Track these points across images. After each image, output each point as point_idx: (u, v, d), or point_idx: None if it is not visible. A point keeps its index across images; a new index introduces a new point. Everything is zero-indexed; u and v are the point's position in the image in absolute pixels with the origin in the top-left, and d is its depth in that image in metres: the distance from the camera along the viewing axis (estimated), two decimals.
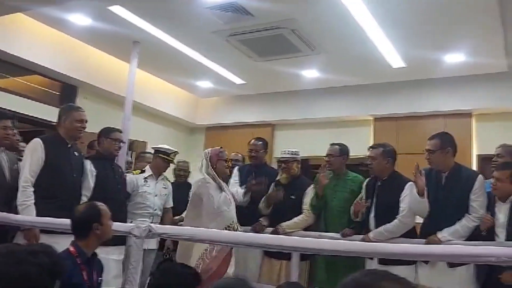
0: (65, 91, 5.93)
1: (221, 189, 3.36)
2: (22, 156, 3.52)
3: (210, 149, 3.50)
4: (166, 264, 2.96)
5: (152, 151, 4.22)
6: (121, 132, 3.82)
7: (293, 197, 3.83)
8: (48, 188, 3.14)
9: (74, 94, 5.99)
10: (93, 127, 3.59)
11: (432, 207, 3.15)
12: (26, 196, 3.05)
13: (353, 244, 2.35)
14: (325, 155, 3.83)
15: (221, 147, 3.53)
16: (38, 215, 3.01)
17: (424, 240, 3.15)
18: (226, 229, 3.19)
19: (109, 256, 3.21)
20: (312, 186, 3.84)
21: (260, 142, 4.30)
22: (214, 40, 5.17)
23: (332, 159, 3.76)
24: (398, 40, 4.90)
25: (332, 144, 3.85)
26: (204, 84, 6.95)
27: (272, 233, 3.62)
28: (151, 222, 3.48)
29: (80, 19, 4.95)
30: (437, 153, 3.20)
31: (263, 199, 3.88)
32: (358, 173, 3.87)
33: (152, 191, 3.92)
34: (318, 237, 3.18)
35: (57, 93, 5.91)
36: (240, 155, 4.91)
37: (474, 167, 5.52)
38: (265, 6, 4.32)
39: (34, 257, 1.57)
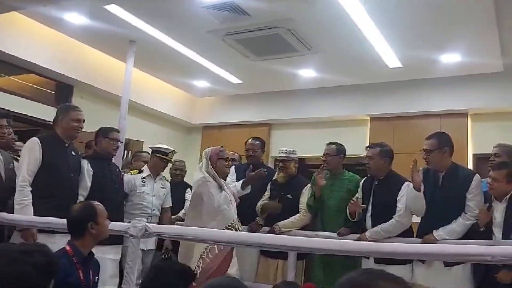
0: (61, 90, 5.91)
1: (221, 188, 3.35)
2: (17, 156, 3.51)
3: (211, 148, 3.49)
4: (159, 262, 2.94)
5: (150, 151, 4.21)
6: (118, 131, 3.81)
7: (289, 196, 3.84)
8: (45, 188, 3.13)
9: (70, 93, 5.97)
10: (89, 126, 3.58)
11: (429, 206, 3.16)
12: (23, 196, 3.04)
13: (350, 244, 2.36)
14: (321, 154, 3.83)
15: (221, 146, 3.51)
16: (35, 214, 3.00)
17: (420, 239, 3.16)
18: (226, 228, 3.18)
19: (106, 256, 3.20)
20: (308, 185, 3.85)
21: (257, 142, 4.31)
22: (211, 39, 5.16)
23: (329, 159, 3.77)
24: (395, 40, 4.91)
25: (329, 144, 3.86)
26: (201, 83, 6.95)
27: (268, 232, 3.62)
28: (149, 222, 3.50)
29: (76, 18, 4.93)
30: (435, 152, 3.21)
31: (259, 204, 3.88)
32: (354, 172, 3.88)
33: (150, 191, 3.91)
34: (314, 236, 3.19)
35: (53, 92, 5.89)
36: (237, 154, 4.91)
37: (470, 166, 5.53)
38: (261, 6, 4.32)
39: (29, 256, 1.56)
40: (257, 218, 3.86)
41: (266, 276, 3.73)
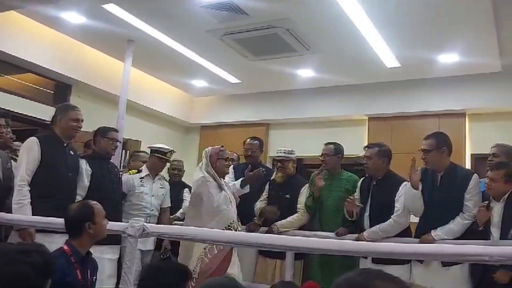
0: (59, 89, 5.90)
1: (221, 188, 3.34)
2: (15, 155, 3.51)
3: (211, 147, 3.47)
4: (155, 262, 2.95)
5: (148, 151, 4.20)
6: (117, 131, 3.81)
7: (288, 196, 3.84)
8: (43, 187, 3.13)
9: (68, 93, 5.95)
10: (87, 126, 3.57)
11: (428, 206, 3.17)
12: (22, 195, 3.03)
13: (347, 244, 2.36)
14: (319, 154, 3.83)
15: (222, 146, 3.50)
16: (33, 214, 3.00)
17: (418, 239, 3.17)
18: (226, 228, 3.17)
19: (104, 256, 3.20)
20: (307, 185, 3.85)
21: (256, 142, 4.32)
22: (209, 39, 5.16)
23: (327, 159, 3.77)
24: (393, 40, 4.92)
25: (327, 144, 3.86)
26: (199, 83, 6.94)
27: (266, 232, 3.62)
28: (148, 223, 3.49)
29: (74, 17, 4.92)
30: (433, 152, 3.21)
31: (258, 206, 3.87)
32: (353, 172, 3.88)
33: (149, 191, 3.90)
34: (313, 236, 3.19)
35: (51, 91, 5.88)
36: (235, 154, 4.91)
37: (468, 166, 5.54)
38: (260, 6, 4.32)
39: (26, 256, 1.56)
40: (255, 218, 3.86)
41: (264, 276, 3.73)
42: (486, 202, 3.09)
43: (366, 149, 3.54)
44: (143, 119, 7.04)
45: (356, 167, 5.08)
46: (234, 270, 3.20)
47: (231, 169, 4.17)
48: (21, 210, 2.99)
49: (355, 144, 5.02)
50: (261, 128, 7.11)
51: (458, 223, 3.09)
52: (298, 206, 3.78)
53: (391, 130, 6.22)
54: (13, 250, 1.62)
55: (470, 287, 3.02)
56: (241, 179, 3.74)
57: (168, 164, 4.34)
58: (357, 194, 3.57)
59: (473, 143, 5.92)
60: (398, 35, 4.80)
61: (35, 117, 5.42)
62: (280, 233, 3.59)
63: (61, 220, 2.42)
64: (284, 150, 3.92)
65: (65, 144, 3.34)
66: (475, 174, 3.20)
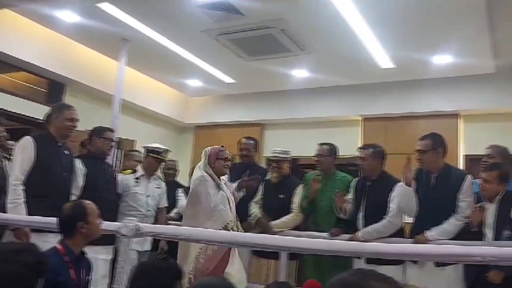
0: (53, 88, 5.87)
1: (219, 187, 3.34)
2: (8, 154, 3.48)
3: (210, 147, 3.46)
4: (146, 260, 2.92)
5: (142, 150, 4.18)
6: (113, 131, 3.80)
7: (282, 196, 3.84)
8: (38, 187, 3.12)
9: (62, 92, 5.93)
10: (80, 125, 3.55)
11: (422, 207, 3.18)
12: (16, 195, 3.02)
13: (341, 244, 2.36)
14: (314, 155, 3.84)
15: (221, 146, 3.49)
16: (28, 213, 2.99)
17: (412, 239, 3.18)
18: (223, 228, 3.15)
19: (98, 256, 3.19)
20: (301, 185, 3.85)
21: (251, 141, 4.32)
22: (204, 38, 5.15)
23: (322, 159, 3.78)
24: (387, 41, 4.93)
25: (321, 144, 3.87)
26: (194, 82, 6.93)
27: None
28: (144, 223, 3.47)
29: (68, 16, 4.90)
30: (429, 153, 3.22)
31: (253, 211, 3.87)
32: (346, 173, 3.89)
33: (144, 191, 3.87)
34: (307, 236, 3.19)
35: (45, 90, 5.85)
36: (230, 154, 4.90)
37: (461, 167, 5.57)
38: (255, 6, 4.32)
39: (19, 255, 1.55)
40: (249, 218, 3.86)
41: (258, 276, 3.73)
42: (480, 203, 3.11)
43: (361, 150, 3.55)
44: (137, 119, 7.01)
45: (350, 167, 5.09)
46: (233, 269, 3.18)
47: None
48: (16, 210, 2.98)
49: (349, 145, 5.02)
50: (256, 128, 7.11)
51: (451, 224, 3.10)
52: (293, 206, 3.79)
53: (386, 130, 6.24)
54: (5, 249, 1.61)
55: (464, 287, 3.04)
56: (237, 182, 3.74)
57: (162, 164, 4.32)
58: (351, 195, 3.58)
59: (466, 144, 5.95)
60: (392, 36, 4.81)
61: (28, 116, 5.39)
62: (274, 233, 3.58)
63: (54, 220, 2.41)
64: (280, 150, 3.92)
65: (60, 144, 3.33)
66: (469, 175, 3.22)
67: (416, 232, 3.22)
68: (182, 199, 4.40)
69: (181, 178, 5.10)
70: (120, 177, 3.87)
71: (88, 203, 2.39)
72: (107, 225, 2.46)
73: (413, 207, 3.19)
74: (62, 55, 5.59)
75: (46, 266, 1.68)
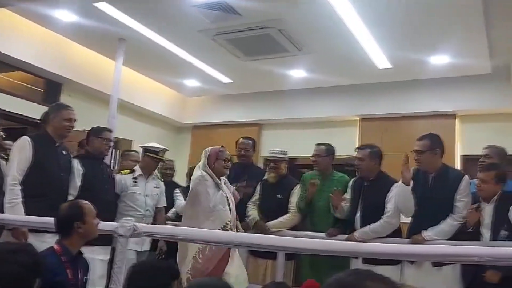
0: (49, 88, 5.86)
1: (218, 187, 3.33)
2: (5, 154, 3.47)
3: (210, 147, 3.44)
4: (141, 261, 2.91)
5: (139, 150, 4.17)
6: (111, 131, 3.79)
7: (279, 196, 3.84)
8: (36, 187, 3.12)
9: (58, 91, 5.91)
10: (77, 125, 3.55)
11: (419, 207, 3.18)
12: (14, 195, 3.02)
13: (338, 244, 2.36)
14: (311, 155, 3.84)
15: (222, 146, 3.47)
16: (26, 213, 2.98)
17: (409, 240, 3.18)
18: (221, 228, 3.14)
19: (96, 256, 3.19)
20: (298, 185, 3.86)
21: (249, 141, 4.33)
22: (201, 38, 5.15)
23: (319, 159, 3.78)
24: (384, 41, 4.94)
25: (319, 144, 3.87)
26: (191, 82, 6.93)
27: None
28: (143, 223, 3.46)
29: (65, 15, 4.89)
30: (426, 154, 3.23)
31: (250, 213, 3.86)
32: (344, 173, 3.89)
33: (142, 191, 3.85)
34: (304, 236, 3.19)
35: (41, 90, 5.84)
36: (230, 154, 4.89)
37: (458, 167, 5.58)
38: (252, 6, 4.32)
39: (15, 255, 1.55)
40: (246, 219, 3.85)
41: (255, 277, 3.72)
42: (476, 204, 3.11)
43: (358, 150, 3.54)
44: (134, 119, 7.01)
45: (348, 167, 5.09)
46: (233, 269, 3.18)
47: None
48: (14, 210, 2.98)
49: (346, 145, 5.01)
50: (253, 128, 7.11)
51: (448, 224, 3.11)
52: (290, 206, 3.79)
53: (383, 131, 6.25)
54: (2, 249, 1.61)
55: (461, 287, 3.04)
56: (235, 185, 3.74)
57: (160, 164, 4.31)
58: (348, 195, 3.58)
59: (463, 144, 5.97)
60: (389, 36, 4.82)
61: (25, 116, 5.38)
62: (272, 234, 3.58)
63: (51, 220, 2.40)
64: (277, 150, 3.92)
65: (57, 144, 3.33)
66: (466, 175, 3.22)
67: (414, 232, 3.22)
68: (179, 199, 4.39)
69: (178, 178, 5.10)
70: (118, 177, 3.86)
71: (85, 203, 2.38)
72: (104, 225, 2.45)
73: (410, 207, 3.19)
74: (59, 55, 5.58)
75: (42, 266, 1.67)
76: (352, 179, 3.67)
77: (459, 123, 6.08)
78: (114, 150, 5.46)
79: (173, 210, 4.40)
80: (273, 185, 3.91)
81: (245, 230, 3.70)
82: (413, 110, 6.13)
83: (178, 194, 4.48)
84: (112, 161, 5.17)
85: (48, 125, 3.34)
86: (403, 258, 2.95)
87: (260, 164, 6.35)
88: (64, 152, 3.39)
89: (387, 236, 3.27)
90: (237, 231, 3.42)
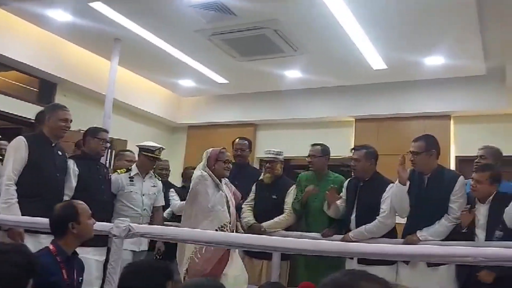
0: (44, 88, 5.84)
1: (218, 187, 3.32)
2: (0, 154, 3.46)
3: (211, 149, 3.43)
4: (135, 261, 2.91)
5: (133, 149, 4.16)
6: (107, 132, 3.79)
7: (274, 197, 3.85)
8: (31, 187, 3.11)
9: (53, 91, 5.89)
10: (72, 125, 3.53)
11: (415, 208, 3.19)
12: (9, 195, 3.01)
13: (332, 244, 2.37)
14: (306, 155, 3.84)
15: (223, 148, 3.46)
16: (21, 214, 2.97)
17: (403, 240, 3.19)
18: (219, 229, 3.13)
19: (92, 257, 3.20)
20: (294, 186, 3.86)
21: (246, 142, 4.34)
22: (197, 38, 5.14)
23: (314, 160, 3.78)
24: (380, 42, 4.96)
25: (314, 145, 3.87)
26: (186, 83, 6.92)
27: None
28: (140, 223, 3.45)
29: (60, 15, 4.87)
30: (422, 155, 3.23)
31: (245, 216, 3.86)
32: (339, 173, 3.90)
33: (139, 190, 3.83)
34: (299, 237, 3.19)
35: (36, 89, 5.81)
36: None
37: (452, 168, 5.61)
38: (248, 6, 4.32)
39: (8, 256, 1.54)
40: (241, 221, 3.85)
41: (251, 277, 3.70)
42: (469, 205, 3.12)
43: (354, 151, 3.55)
44: (129, 119, 6.99)
45: (343, 168, 5.11)
46: (232, 271, 3.17)
47: None
48: (9, 210, 2.97)
49: (341, 146, 5.04)
50: (249, 129, 7.11)
51: (442, 225, 3.12)
52: (285, 206, 3.79)
53: (378, 131, 6.27)
54: None
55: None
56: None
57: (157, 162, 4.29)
58: (343, 195, 3.59)
59: (458, 145, 6.00)
60: (385, 37, 4.84)
61: (19, 116, 5.36)
62: (266, 233, 3.58)
63: (47, 220, 2.39)
64: (273, 151, 3.92)
65: (53, 144, 3.32)
66: (462, 176, 3.23)
67: (409, 232, 3.23)
68: (174, 199, 4.38)
69: (174, 178, 5.09)
70: (113, 176, 3.84)
71: (80, 203, 2.37)
72: (99, 226, 2.45)
73: (405, 208, 3.21)
74: (54, 55, 5.56)
75: (36, 266, 1.66)
76: (347, 180, 3.68)
77: (453, 124, 6.10)
78: (109, 150, 5.44)
79: (168, 210, 4.39)
80: (269, 186, 3.91)
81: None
82: (408, 111, 6.15)
83: (173, 194, 4.47)
84: (107, 161, 5.15)
85: (43, 126, 3.33)
86: (397, 259, 2.96)
87: (256, 165, 6.36)
88: (59, 153, 3.38)
89: (382, 236, 3.28)
90: (237, 231, 3.42)
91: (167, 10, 4.55)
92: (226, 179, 3.48)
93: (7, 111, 5.27)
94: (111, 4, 4.49)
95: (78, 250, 2.38)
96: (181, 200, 4.25)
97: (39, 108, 3.74)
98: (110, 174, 3.91)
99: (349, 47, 5.04)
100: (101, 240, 3.08)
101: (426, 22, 4.44)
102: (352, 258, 3.24)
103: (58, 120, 3.30)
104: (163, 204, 4.09)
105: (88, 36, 5.35)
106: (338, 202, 3.53)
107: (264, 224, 3.70)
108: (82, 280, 2.40)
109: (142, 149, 3.94)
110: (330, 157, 3.88)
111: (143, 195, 3.85)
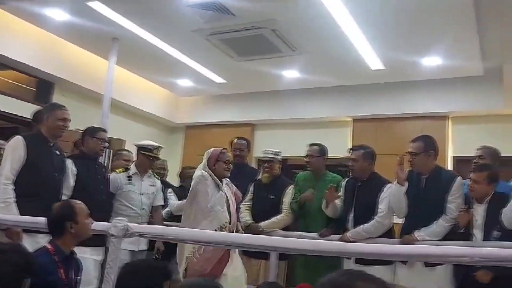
0: (41, 87, 5.82)
1: (218, 188, 3.32)
2: None
3: (212, 149, 3.43)
4: (132, 261, 2.90)
5: (131, 149, 4.16)
6: (106, 131, 3.78)
7: (272, 196, 3.85)
8: (29, 187, 3.11)
9: (51, 91, 5.88)
10: (70, 124, 3.53)
11: (412, 208, 3.20)
12: (7, 194, 3.01)
13: (330, 244, 2.37)
14: (304, 155, 3.85)
15: (224, 148, 3.46)
16: (19, 213, 2.97)
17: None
18: (218, 229, 3.13)
19: (91, 257, 3.20)
20: (291, 186, 3.87)
21: (244, 142, 4.35)
22: (195, 38, 5.14)
23: (312, 160, 3.79)
24: (377, 43, 4.96)
25: (311, 145, 3.88)
26: (184, 82, 6.91)
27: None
28: (139, 222, 3.45)
29: (58, 14, 4.86)
30: (421, 155, 3.24)
31: (243, 216, 3.86)
32: (336, 173, 3.91)
33: (137, 189, 3.82)
34: (297, 237, 3.19)
35: (33, 89, 5.80)
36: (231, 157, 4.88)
37: (449, 169, 5.62)
38: (246, 6, 4.32)
39: (5, 255, 1.54)
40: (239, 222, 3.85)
41: (248, 277, 3.72)
42: (466, 205, 3.13)
43: (352, 151, 3.56)
44: (127, 118, 6.98)
45: (340, 168, 5.11)
46: (232, 271, 3.16)
47: None
48: (7, 209, 2.97)
49: (339, 146, 5.04)
50: (247, 129, 7.12)
51: (440, 225, 3.13)
52: (283, 206, 3.79)
53: (375, 131, 6.28)
54: None
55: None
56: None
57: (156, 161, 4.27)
58: (341, 194, 3.59)
59: (455, 145, 6.01)
60: (382, 37, 4.84)
61: (16, 115, 5.34)
62: (264, 233, 3.58)
63: (44, 220, 2.39)
64: (271, 151, 3.93)
65: (51, 144, 3.32)
66: (459, 177, 3.23)
67: (406, 232, 3.23)
68: (172, 199, 4.38)
69: (171, 178, 5.08)
70: (112, 176, 3.83)
71: (77, 202, 2.37)
72: (97, 225, 2.45)
73: (403, 208, 3.21)
74: (52, 54, 5.55)
75: (33, 266, 1.66)
76: (345, 179, 3.68)
77: (451, 124, 6.12)
78: (107, 150, 5.44)
79: (166, 209, 4.39)
80: (266, 186, 3.91)
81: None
82: (405, 111, 6.16)
83: (170, 194, 4.47)
84: (105, 161, 5.14)
85: (42, 125, 3.33)
86: (394, 259, 2.96)
87: (253, 165, 6.36)
88: (57, 152, 3.38)
89: (380, 236, 3.28)
90: (237, 232, 3.41)
91: (165, 9, 4.54)
92: (228, 179, 3.47)
93: (4, 110, 5.26)
94: (109, 3, 4.49)
95: (76, 250, 2.38)
96: (179, 200, 4.25)
97: (36, 108, 3.73)
98: (109, 173, 3.90)
99: (347, 47, 5.05)
100: (100, 240, 3.08)
101: (424, 23, 4.45)
102: (349, 258, 3.24)
103: (57, 119, 3.30)
104: (163, 203, 4.08)
105: (86, 35, 5.34)
106: (336, 201, 3.53)
107: (262, 224, 3.70)
108: (79, 279, 2.40)
109: (140, 148, 3.93)
110: (328, 157, 3.89)
111: (142, 194, 3.84)
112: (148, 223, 3.72)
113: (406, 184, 3.16)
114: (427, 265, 3.03)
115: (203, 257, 3.08)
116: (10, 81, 5.55)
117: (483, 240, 2.96)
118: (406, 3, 4.12)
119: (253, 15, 4.52)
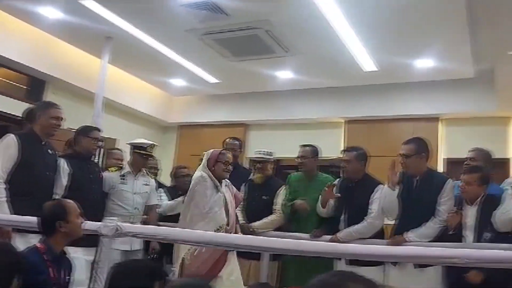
0: (33, 85, 5.79)
1: (217, 189, 3.31)
2: None
3: (212, 150, 3.42)
4: (123, 261, 2.88)
5: (123, 148, 4.13)
6: (99, 130, 3.74)
7: (265, 197, 3.85)
8: (21, 185, 3.08)
9: (42, 89, 5.85)
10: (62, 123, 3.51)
11: (404, 210, 3.21)
12: None
13: (321, 245, 2.37)
14: (296, 156, 3.85)
15: (223, 149, 3.46)
16: (11, 212, 2.95)
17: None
18: (215, 231, 3.10)
19: (82, 257, 3.16)
20: (284, 186, 3.86)
21: (237, 142, 4.34)
22: (189, 38, 5.13)
23: (305, 161, 3.79)
24: (371, 44, 4.98)
25: (304, 146, 3.88)
26: (178, 82, 6.90)
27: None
28: (132, 222, 3.43)
29: (51, 12, 4.84)
30: (412, 158, 3.24)
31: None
32: (328, 174, 3.91)
33: (130, 189, 3.77)
34: (288, 237, 3.19)
35: (25, 87, 5.76)
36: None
37: (441, 170, 5.65)
38: (240, 6, 4.32)
39: None
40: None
41: None
42: (456, 207, 3.15)
43: (345, 152, 3.56)
44: (120, 117, 6.96)
45: (333, 169, 5.12)
46: (228, 273, 3.14)
47: None
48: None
49: (332, 147, 5.07)
50: (240, 129, 7.12)
51: (429, 227, 3.13)
52: (275, 207, 3.79)
53: (368, 133, 6.31)
54: None
55: None
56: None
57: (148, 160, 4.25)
58: (339, 194, 3.59)
59: (446, 147, 6.05)
60: (376, 39, 4.87)
61: (8, 113, 5.30)
62: (256, 234, 3.58)
63: (36, 219, 2.38)
64: (264, 151, 3.92)
65: (43, 142, 3.30)
66: (451, 179, 3.24)
67: (397, 234, 3.24)
68: (164, 199, 4.35)
69: (164, 178, 5.06)
70: (105, 174, 3.80)
71: (69, 202, 2.36)
72: (88, 225, 2.43)
73: (394, 209, 3.22)
74: (44, 52, 5.52)
75: (22, 265, 1.65)
76: (338, 180, 3.69)
77: (442, 126, 6.16)
78: (100, 149, 5.41)
79: (160, 209, 4.36)
80: (259, 186, 3.91)
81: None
82: (397, 113, 6.20)
83: (162, 194, 4.45)
84: (100, 160, 5.12)
85: (34, 123, 3.30)
86: (384, 260, 2.96)
87: (246, 165, 6.35)
88: (50, 151, 3.36)
89: (370, 237, 3.29)
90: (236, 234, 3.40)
91: (159, 9, 4.53)
92: (228, 180, 3.46)
93: None
94: (102, 2, 4.47)
95: (69, 250, 2.36)
96: (171, 199, 4.24)
97: (28, 106, 3.70)
98: (102, 173, 3.88)
99: (340, 48, 5.07)
100: (93, 241, 3.06)
101: (416, 25, 4.48)
102: (340, 259, 3.25)
103: (50, 118, 3.28)
104: (157, 202, 4.05)
105: (79, 34, 5.32)
106: (331, 200, 3.53)
107: (254, 224, 3.70)
108: (70, 279, 2.38)
109: (134, 146, 3.89)
110: (320, 158, 3.90)
111: (135, 193, 3.79)
112: (144, 223, 3.69)
113: (400, 187, 3.17)
114: (417, 266, 3.04)
115: (200, 258, 3.07)
116: (1, 79, 5.51)
117: (475, 242, 2.98)
118: (399, 5, 4.14)
119: (247, 16, 4.52)
